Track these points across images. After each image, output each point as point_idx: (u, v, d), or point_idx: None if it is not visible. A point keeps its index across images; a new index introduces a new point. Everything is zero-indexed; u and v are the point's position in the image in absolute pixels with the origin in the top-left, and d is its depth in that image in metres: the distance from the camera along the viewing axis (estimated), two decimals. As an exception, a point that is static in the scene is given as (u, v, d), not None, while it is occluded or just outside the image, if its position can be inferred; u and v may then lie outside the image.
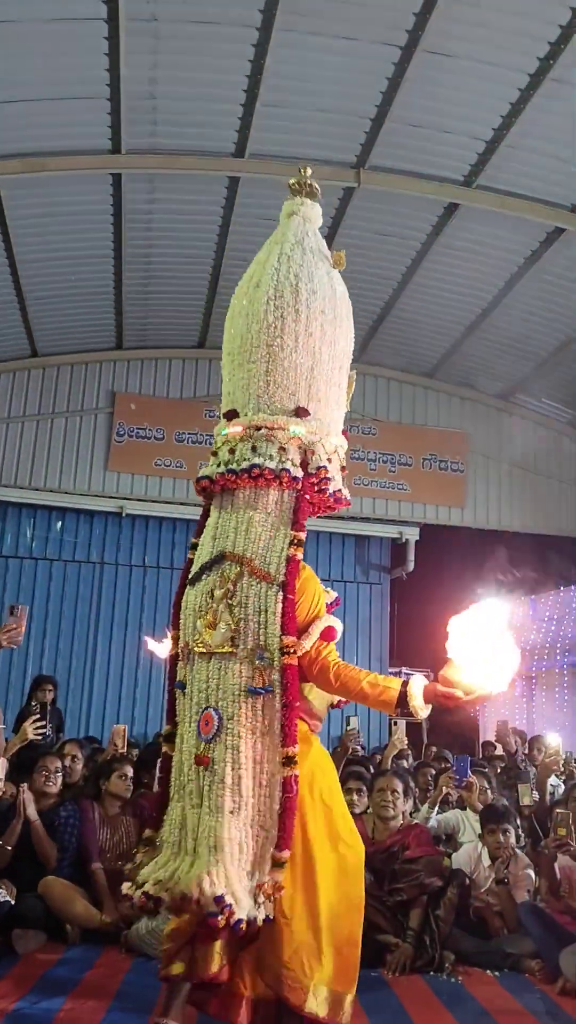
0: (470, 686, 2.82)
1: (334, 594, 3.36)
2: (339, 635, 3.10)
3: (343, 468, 3.32)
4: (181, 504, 11.36)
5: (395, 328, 11.28)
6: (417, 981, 4.04)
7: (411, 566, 12.23)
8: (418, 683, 2.91)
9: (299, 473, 3.16)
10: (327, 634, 3.04)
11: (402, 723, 6.40)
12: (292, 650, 2.95)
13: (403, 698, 2.87)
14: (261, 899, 2.77)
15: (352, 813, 4.85)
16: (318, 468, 3.16)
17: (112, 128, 7.88)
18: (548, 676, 11.72)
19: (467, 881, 4.53)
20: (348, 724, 7.12)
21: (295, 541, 3.08)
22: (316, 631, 3.03)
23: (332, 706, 3.34)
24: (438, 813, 5.48)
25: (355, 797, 4.97)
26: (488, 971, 4.21)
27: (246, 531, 3.13)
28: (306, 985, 2.82)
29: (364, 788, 5.11)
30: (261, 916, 2.75)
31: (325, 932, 2.89)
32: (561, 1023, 3.58)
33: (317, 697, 3.18)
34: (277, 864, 2.84)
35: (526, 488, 12.75)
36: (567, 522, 12.82)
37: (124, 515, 11.67)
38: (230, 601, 3.04)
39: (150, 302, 10.94)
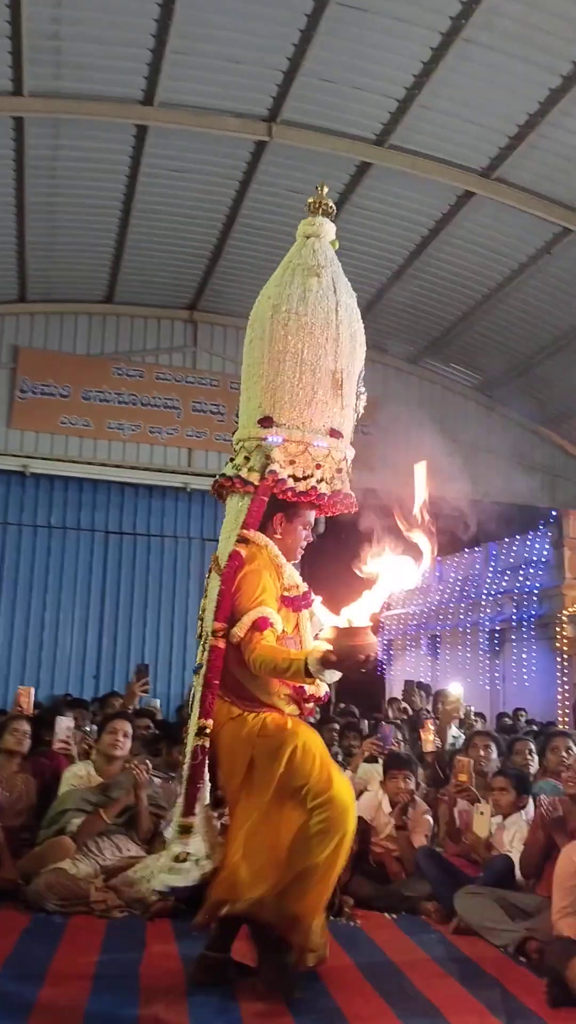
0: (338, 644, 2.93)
1: (303, 588, 3.43)
2: (276, 627, 3.19)
3: (318, 465, 3.43)
4: (88, 463, 11.14)
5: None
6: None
7: (322, 528, 12.28)
8: (316, 651, 2.98)
9: (252, 478, 3.39)
10: (259, 624, 3.15)
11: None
12: (220, 633, 3.20)
13: (307, 667, 2.98)
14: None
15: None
16: (269, 472, 3.36)
17: (13, 68, 7.54)
18: (452, 635, 12.05)
19: (367, 827, 4.62)
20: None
21: (239, 538, 3.33)
22: (248, 620, 3.16)
23: (300, 698, 3.35)
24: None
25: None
26: (386, 914, 4.32)
27: (222, 533, 3.49)
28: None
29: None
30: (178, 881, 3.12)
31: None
32: (453, 961, 3.71)
33: (258, 684, 3.24)
34: (184, 829, 3.13)
35: (435, 451, 12.94)
36: (473, 485, 13.10)
37: (28, 474, 11.37)
38: (206, 596, 3.41)
39: (55, 253, 10.59)
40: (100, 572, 12.10)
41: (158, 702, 7.73)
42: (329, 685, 3.33)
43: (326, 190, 3.80)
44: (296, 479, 3.40)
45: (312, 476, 3.41)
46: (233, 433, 3.65)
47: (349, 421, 3.61)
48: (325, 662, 2.92)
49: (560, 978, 3.15)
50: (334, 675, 2.99)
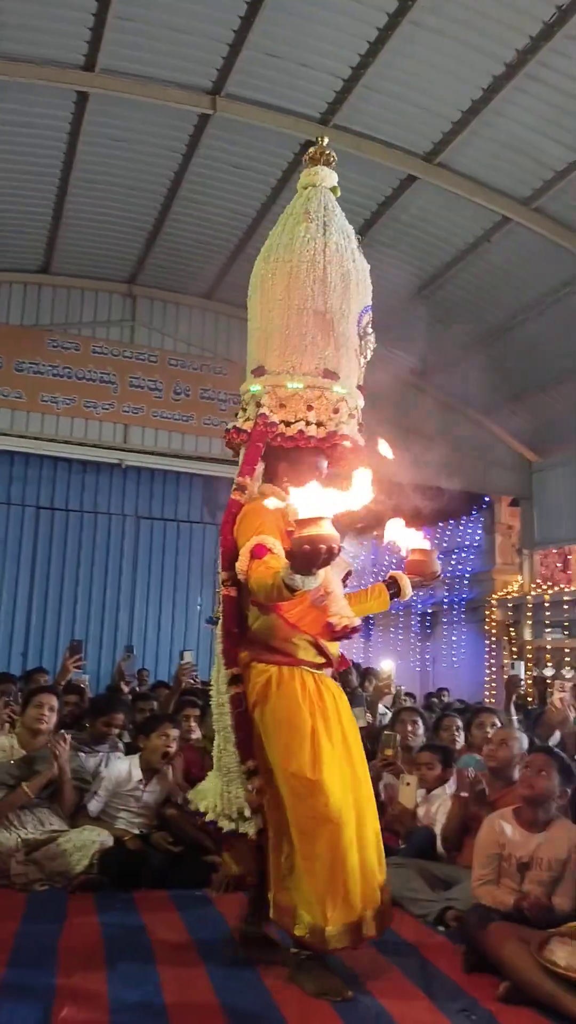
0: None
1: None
2: (276, 551, 2.98)
3: (309, 407, 3.36)
4: (19, 436, 10.88)
5: (249, 268, 11.15)
6: (240, 899, 4.13)
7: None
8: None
9: (246, 426, 3.40)
10: (256, 551, 3.02)
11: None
12: (229, 582, 3.18)
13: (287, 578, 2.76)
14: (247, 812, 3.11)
15: (188, 739, 4.93)
16: (259, 416, 3.35)
17: (-52, 24, 7.28)
18: (384, 616, 12.21)
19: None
20: (182, 658, 7.12)
21: (236, 486, 3.32)
22: (246, 551, 3.06)
23: (331, 634, 3.22)
24: None
25: (192, 723, 5.24)
26: (310, 886, 4.36)
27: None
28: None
29: (200, 714, 5.23)
30: (246, 828, 3.11)
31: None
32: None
33: (262, 627, 3.19)
34: (249, 774, 3.12)
35: (379, 434, 12.99)
36: (408, 469, 13.21)
37: (-42, 447, 11.08)
38: None
39: (-11, 220, 10.30)
40: (30, 548, 11.91)
41: (87, 678, 7.65)
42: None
43: (326, 140, 3.83)
44: (287, 424, 3.33)
45: (303, 419, 3.33)
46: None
47: (349, 361, 3.49)
48: (291, 564, 2.68)
49: (476, 944, 3.23)
50: (307, 581, 2.71)
